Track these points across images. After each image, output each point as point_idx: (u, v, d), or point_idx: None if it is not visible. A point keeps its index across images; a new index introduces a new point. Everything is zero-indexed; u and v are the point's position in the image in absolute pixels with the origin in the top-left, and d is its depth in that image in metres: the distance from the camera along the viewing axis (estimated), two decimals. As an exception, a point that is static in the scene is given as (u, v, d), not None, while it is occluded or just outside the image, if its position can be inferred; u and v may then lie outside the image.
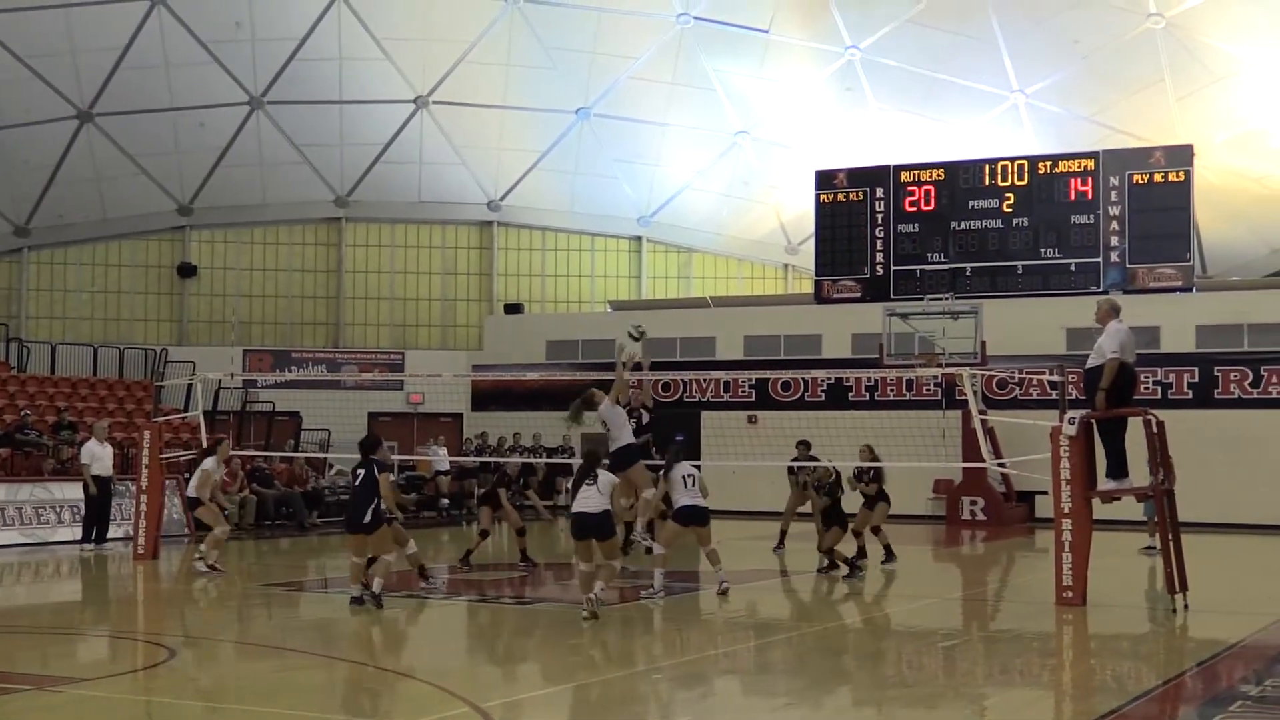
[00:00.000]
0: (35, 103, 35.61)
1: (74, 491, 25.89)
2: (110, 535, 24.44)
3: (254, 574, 21.76)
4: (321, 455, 33.55)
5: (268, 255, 40.71)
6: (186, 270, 39.80)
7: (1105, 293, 32.22)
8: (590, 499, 14.67)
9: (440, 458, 33.38)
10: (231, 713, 10.34)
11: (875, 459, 20.43)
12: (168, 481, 24.80)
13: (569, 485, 20.93)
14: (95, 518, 24.13)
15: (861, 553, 19.97)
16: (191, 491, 20.29)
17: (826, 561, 19.58)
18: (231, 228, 40.49)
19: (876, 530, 20.44)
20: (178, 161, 38.61)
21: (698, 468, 17.59)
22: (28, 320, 38.36)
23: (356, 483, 15.89)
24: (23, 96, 35.27)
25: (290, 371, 37.50)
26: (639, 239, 42.24)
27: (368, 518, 15.48)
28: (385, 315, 41.10)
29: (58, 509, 25.45)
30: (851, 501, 20.17)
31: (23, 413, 28.87)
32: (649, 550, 18.83)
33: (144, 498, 22.11)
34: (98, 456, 24.19)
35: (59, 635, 13.15)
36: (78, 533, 25.26)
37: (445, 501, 33.64)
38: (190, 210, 39.68)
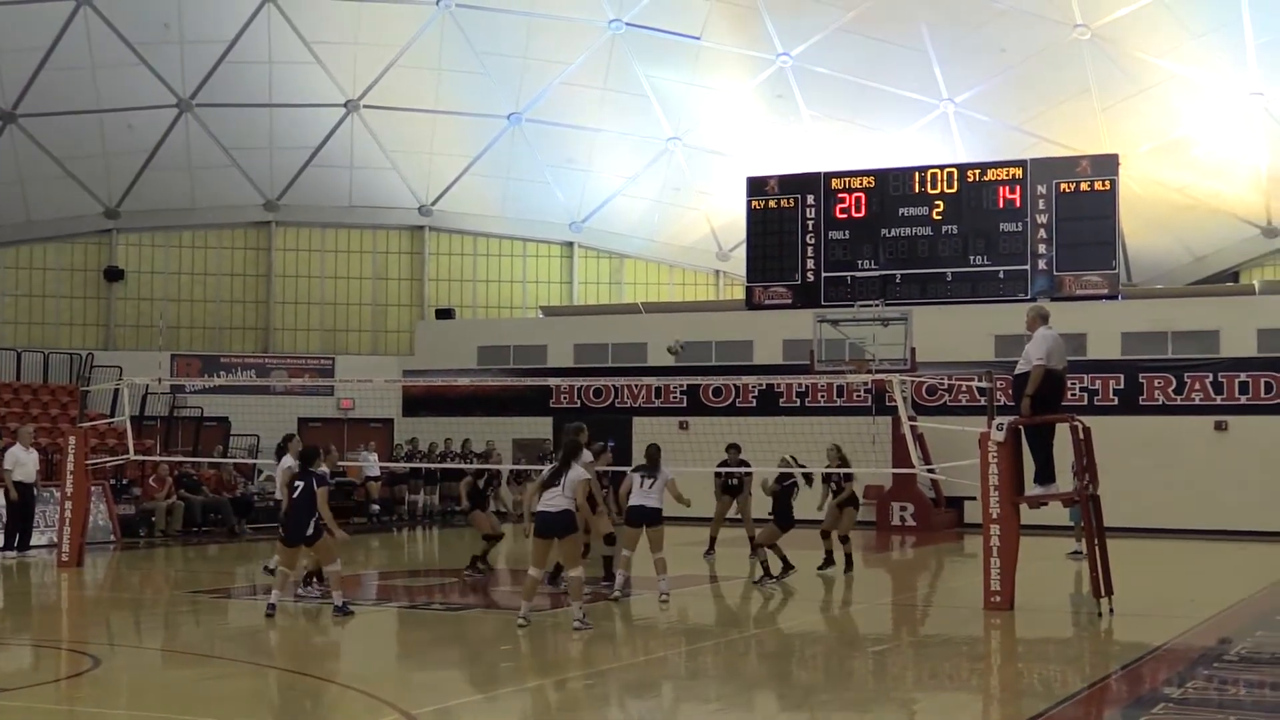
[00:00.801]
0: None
1: (-5, 498, 25.64)
2: (33, 543, 24.11)
3: (181, 581, 21.72)
4: (250, 461, 33.27)
5: (196, 259, 40.32)
6: (113, 274, 39.36)
7: (1034, 300, 32.59)
8: (554, 499, 14.30)
9: (370, 463, 33.26)
10: None
11: (845, 461, 20.59)
12: (93, 488, 24.41)
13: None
14: (17, 525, 23.71)
15: (829, 559, 20.49)
16: None
17: (762, 571, 19.59)
18: (160, 231, 40.07)
19: (845, 539, 20.77)
20: (104, 164, 38.17)
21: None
22: (-51, 324, 37.78)
23: (295, 495, 15.66)
24: (-55, 97, 34.81)
25: (219, 377, 37.21)
26: (571, 244, 42.20)
27: (310, 530, 15.41)
28: (315, 320, 40.83)
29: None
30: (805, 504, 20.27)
31: (-56, 418, 28.46)
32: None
33: (69, 504, 21.90)
34: (21, 462, 23.69)
35: None
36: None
37: (375, 507, 33.51)
38: (117, 213, 39.26)
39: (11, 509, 23.76)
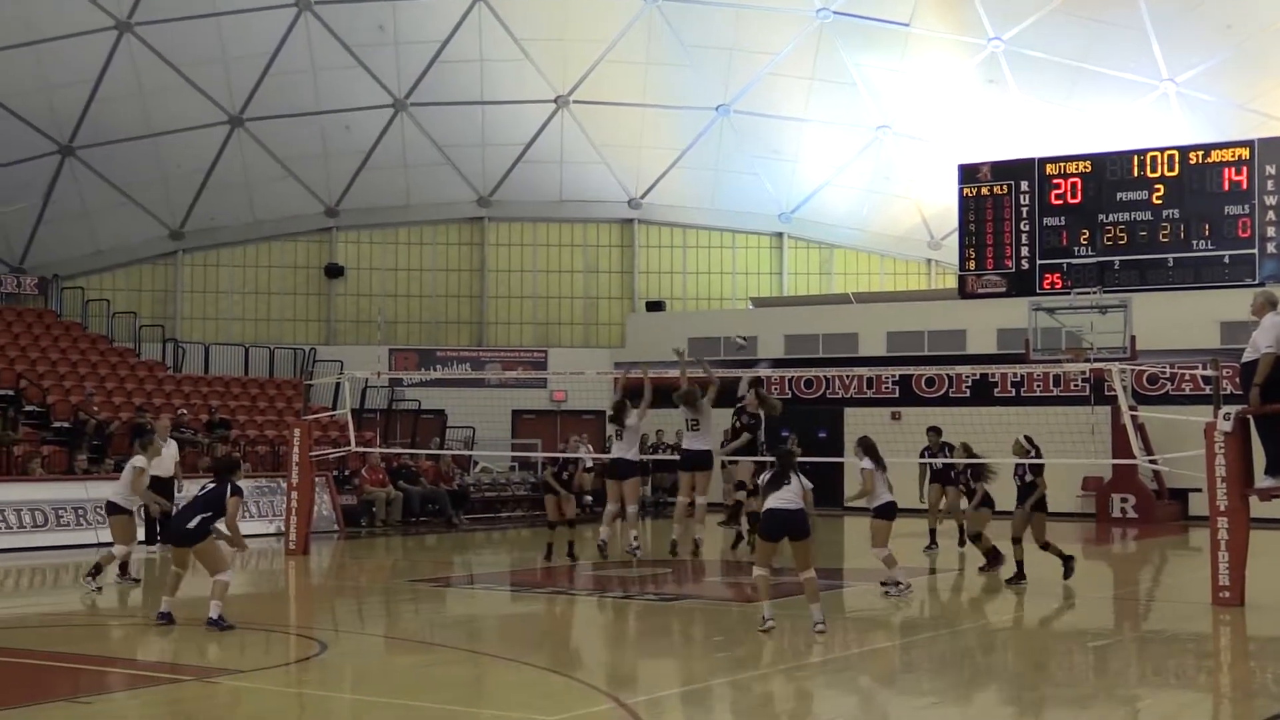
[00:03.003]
0: (188, 110, 36.37)
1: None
2: (258, 532, 24.72)
3: (401, 569, 22.25)
4: (467, 453, 33.91)
5: (412, 255, 41.17)
6: (334, 271, 40.39)
7: (1261, 285, 31.43)
8: (785, 495, 13.51)
9: (584, 455, 33.54)
10: (380, 706, 10.48)
11: (1037, 453, 18.67)
12: (317, 479, 25.13)
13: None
14: (157, 519, 22.24)
15: (1020, 571, 18.26)
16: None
17: (985, 561, 19.06)
18: (377, 228, 40.99)
19: (1017, 540, 18.49)
20: (324, 164, 39.16)
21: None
22: (182, 321, 39.12)
23: (200, 492, 14.59)
24: (177, 104, 36.02)
25: (435, 370, 37.95)
26: (780, 235, 42.03)
27: (193, 524, 13.91)
28: (528, 313, 41.38)
29: (211, 505, 25.96)
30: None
31: (179, 411, 29.48)
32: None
33: (295, 494, 22.64)
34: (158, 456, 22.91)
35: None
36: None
37: (589, 498, 33.84)
38: (337, 212, 40.29)
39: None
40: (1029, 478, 18.26)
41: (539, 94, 38.59)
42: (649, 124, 39.55)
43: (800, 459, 17.88)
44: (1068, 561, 18.28)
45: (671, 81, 38.47)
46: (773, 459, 14.27)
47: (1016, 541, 18.24)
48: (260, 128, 37.57)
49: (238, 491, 14.27)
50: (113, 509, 17.36)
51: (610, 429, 19.83)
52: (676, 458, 21.16)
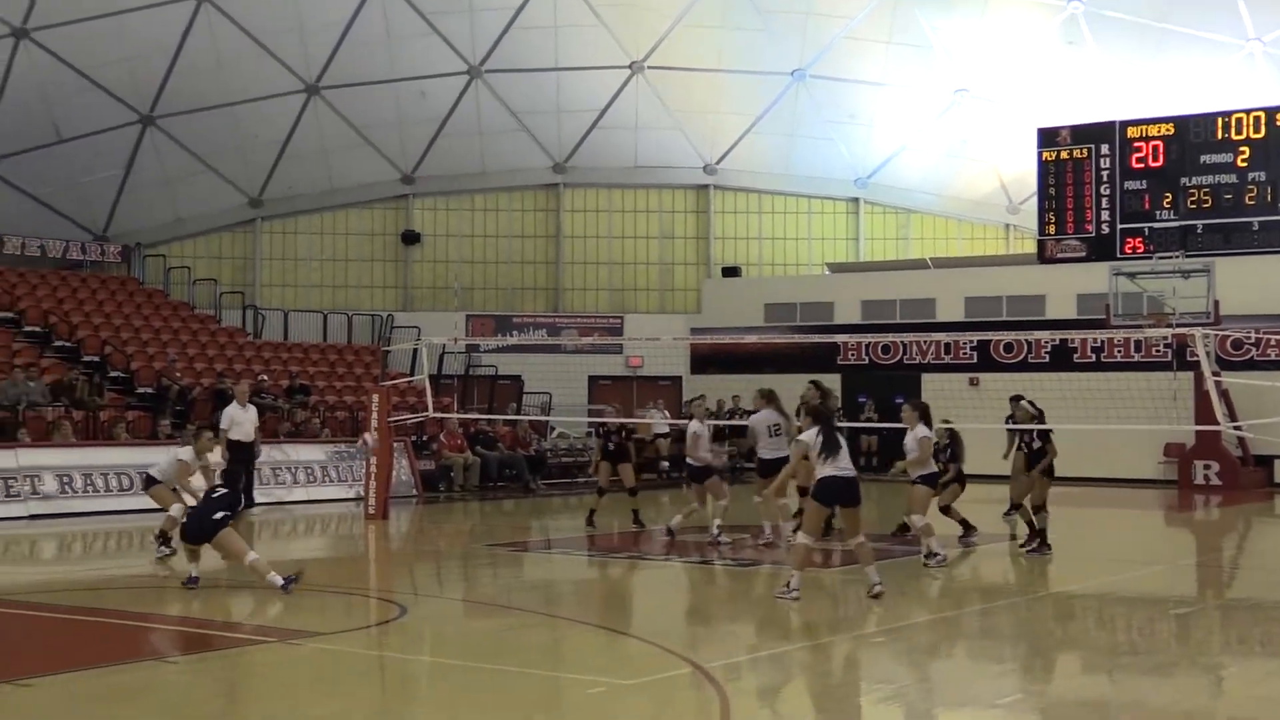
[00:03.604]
0: (266, 78, 36.56)
1: (308, 453, 26.83)
2: (338, 496, 24.85)
3: (479, 534, 22.41)
4: (544, 418, 33.99)
5: (488, 222, 41.20)
6: (410, 237, 40.51)
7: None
8: (842, 463, 13.40)
9: (660, 421, 33.56)
10: (460, 669, 10.58)
11: (1041, 418, 18.48)
12: (395, 444, 25.25)
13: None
14: (236, 484, 22.05)
15: (1034, 533, 17.95)
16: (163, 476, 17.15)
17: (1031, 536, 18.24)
18: (452, 195, 41.03)
19: (1041, 507, 17.98)
20: (399, 131, 39.24)
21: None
22: (261, 288, 39.43)
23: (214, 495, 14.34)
24: (254, 73, 36.23)
25: (511, 336, 38.13)
26: (856, 200, 41.73)
27: (214, 518, 13.90)
28: (604, 279, 41.35)
29: (293, 470, 26.28)
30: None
31: (259, 377, 29.70)
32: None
33: (374, 460, 22.73)
34: (238, 421, 22.91)
35: (298, 592, 13.62)
36: (311, 493, 26.08)
37: (665, 464, 33.86)
38: (413, 179, 40.38)
39: (229, 469, 22.61)
40: (1037, 444, 17.95)
41: (613, 60, 38.45)
42: (724, 89, 39.32)
43: (876, 425, 17.79)
44: (1042, 535, 17.70)
45: (746, 46, 38.18)
46: (817, 426, 13.72)
47: (1039, 509, 17.79)
48: (336, 96, 37.71)
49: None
50: (150, 482, 17.10)
51: (767, 423, 18.41)
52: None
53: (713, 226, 41.44)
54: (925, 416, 16.59)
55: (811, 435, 13.65)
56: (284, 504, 25.27)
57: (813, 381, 20.12)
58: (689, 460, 19.41)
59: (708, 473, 19.12)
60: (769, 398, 17.80)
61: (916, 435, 16.42)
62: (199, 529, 13.99)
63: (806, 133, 40.09)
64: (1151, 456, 32.44)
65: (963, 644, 12.16)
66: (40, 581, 15.98)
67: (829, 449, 13.44)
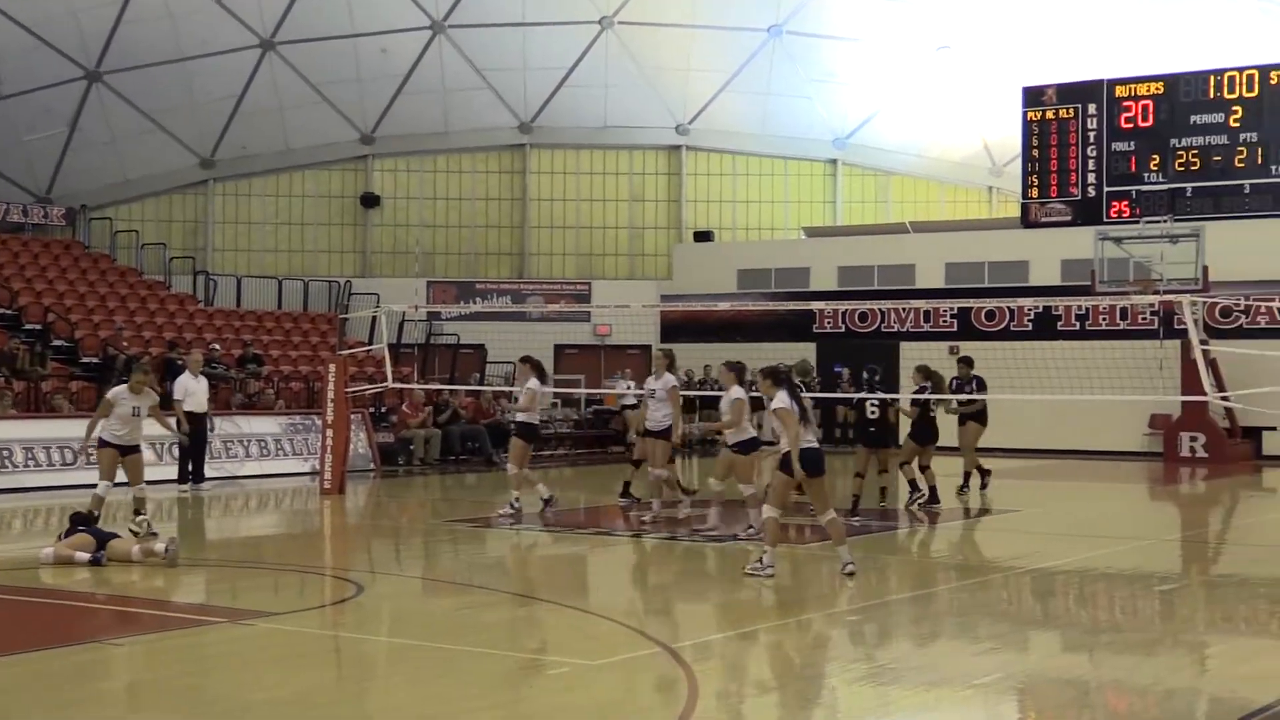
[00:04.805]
0: (219, 33, 35.69)
1: (262, 426, 25.91)
2: (293, 471, 24.00)
3: (439, 509, 21.99)
4: (507, 389, 33.01)
5: (451, 184, 40.43)
6: (369, 200, 39.77)
7: (1345, 212, 30.26)
8: (809, 433, 12.99)
9: (627, 391, 32.58)
10: (418, 649, 10.39)
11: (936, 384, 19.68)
12: (353, 416, 24.50)
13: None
14: (189, 456, 22.37)
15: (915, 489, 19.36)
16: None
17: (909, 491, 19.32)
18: (414, 156, 40.29)
19: (925, 467, 19.58)
20: (359, 89, 38.46)
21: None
22: (213, 253, 38.86)
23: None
24: (207, 27, 35.41)
25: (475, 303, 37.58)
26: (834, 162, 40.94)
27: None
28: (571, 244, 40.55)
29: (245, 443, 25.47)
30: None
31: (211, 346, 28.90)
32: None
33: (330, 432, 22.11)
34: (191, 391, 22.20)
35: (249, 570, 13.62)
36: (265, 467, 25.28)
37: (633, 436, 32.80)
38: (372, 139, 39.60)
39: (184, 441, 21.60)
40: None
41: (582, 15, 37.53)
42: (697, 46, 38.42)
43: (862, 395, 17.14)
44: (914, 493, 19.17)
45: (720, 1, 37.18)
46: (784, 390, 13.04)
47: (925, 469, 19.26)
48: (293, 51, 36.82)
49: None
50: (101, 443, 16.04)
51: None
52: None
53: (684, 189, 40.66)
54: (741, 377, 16.22)
55: (787, 401, 12.94)
56: (236, 478, 24.65)
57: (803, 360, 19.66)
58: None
59: (755, 445, 17.47)
60: (738, 372, 16.44)
61: (730, 397, 15.97)
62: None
63: (782, 91, 39.17)
64: (1136, 428, 32.04)
65: (940, 622, 11.82)
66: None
67: (801, 418, 13.00)
